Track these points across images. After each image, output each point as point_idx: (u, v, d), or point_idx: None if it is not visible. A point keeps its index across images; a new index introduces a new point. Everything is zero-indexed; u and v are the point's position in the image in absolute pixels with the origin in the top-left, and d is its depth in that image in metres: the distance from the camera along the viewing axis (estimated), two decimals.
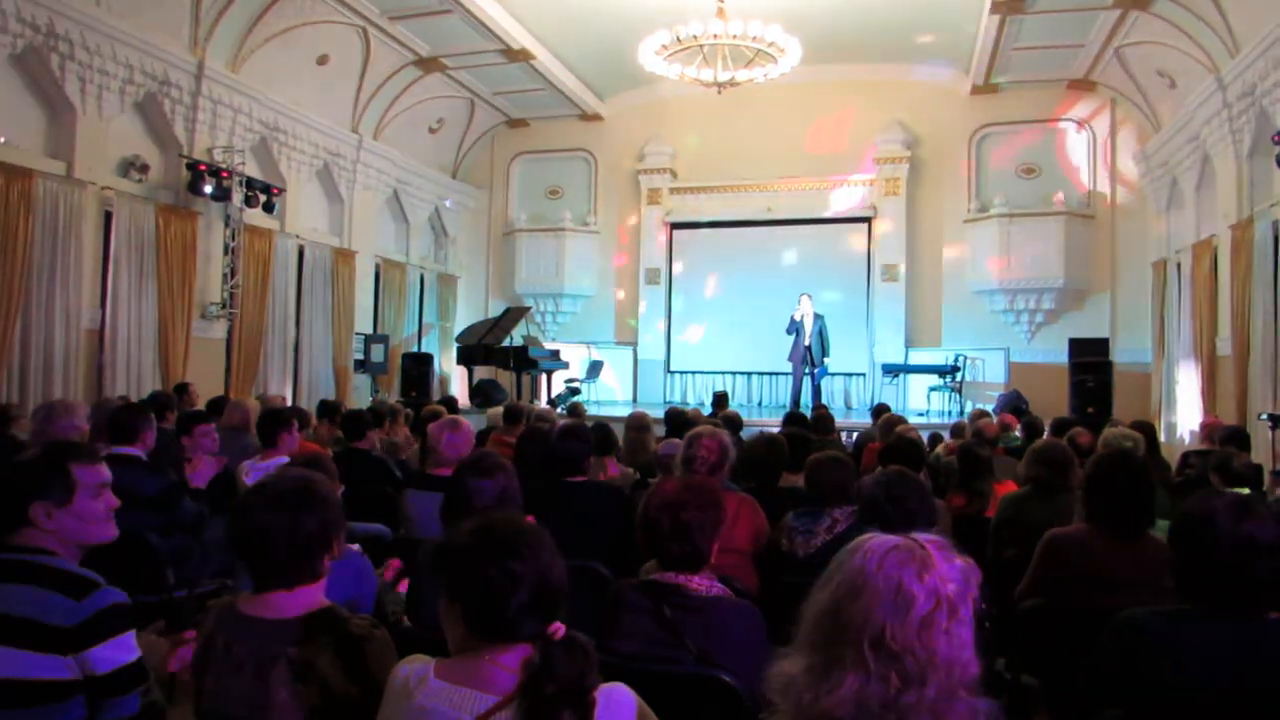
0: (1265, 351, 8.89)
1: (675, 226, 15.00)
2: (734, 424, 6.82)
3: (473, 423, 4.62)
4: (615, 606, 2.34)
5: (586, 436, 3.91)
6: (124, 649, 1.96)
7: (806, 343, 11.99)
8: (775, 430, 5.55)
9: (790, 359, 12.31)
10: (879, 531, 1.37)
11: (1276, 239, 8.84)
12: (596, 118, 15.19)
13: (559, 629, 1.55)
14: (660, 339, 14.90)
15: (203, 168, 9.52)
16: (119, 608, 1.98)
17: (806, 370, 12.20)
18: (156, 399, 6.72)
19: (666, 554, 2.35)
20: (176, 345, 9.43)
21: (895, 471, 2.93)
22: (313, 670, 1.72)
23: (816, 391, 12.36)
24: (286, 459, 4.38)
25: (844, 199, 14.20)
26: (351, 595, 2.33)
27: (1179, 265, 11.53)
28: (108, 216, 8.84)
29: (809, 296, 12.31)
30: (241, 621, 1.83)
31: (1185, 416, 11.00)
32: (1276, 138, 8.07)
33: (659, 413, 7.51)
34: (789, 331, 12.16)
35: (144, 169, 9.40)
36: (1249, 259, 9.23)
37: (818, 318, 12.17)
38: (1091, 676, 2.26)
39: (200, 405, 7.43)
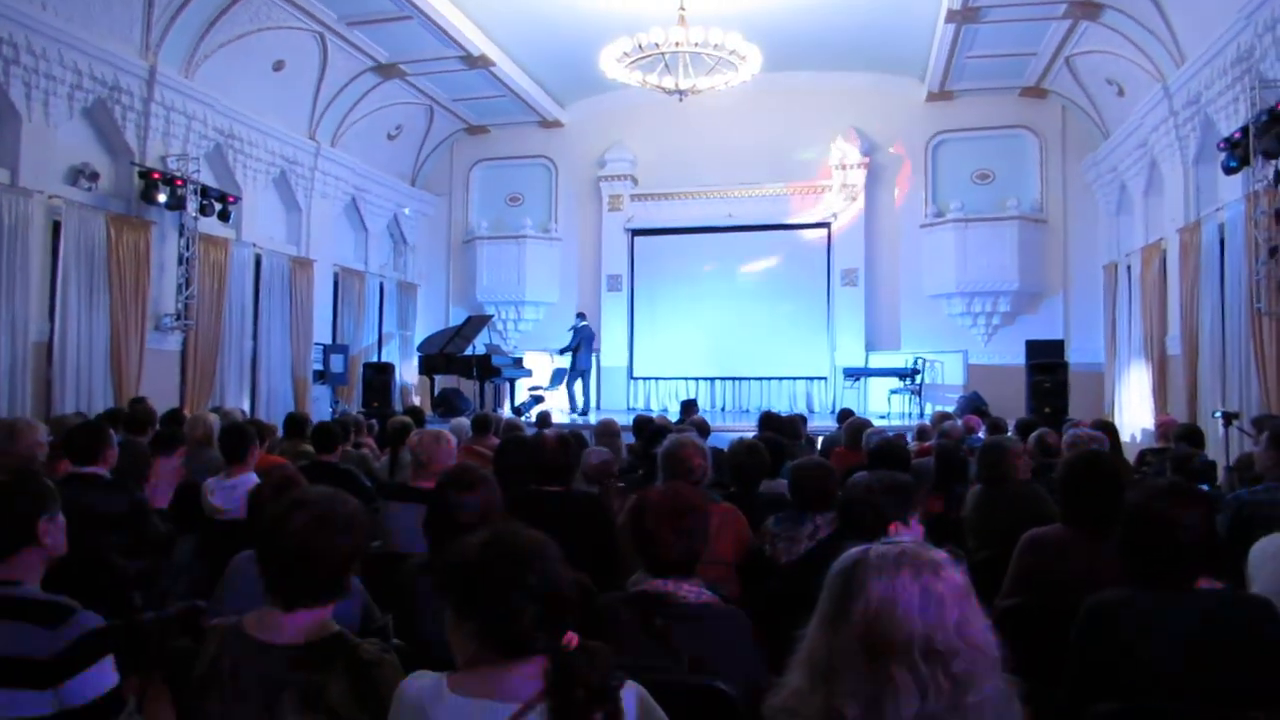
0: (1213, 351, 9.14)
1: (637, 233, 15.02)
2: (702, 430, 6.83)
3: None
4: (605, 618, 2.32)
5: (576, 446, 3.88)
6: (102, 677, 1.89)
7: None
8: (746, 436, 5.56)
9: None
10: (857, 540, 1.40)
11: (1223, 242, 9.08)
12: (557, 124, 15.16)
13: (573, 639, 1.54)
14: (623, 346, 14.89)
15: (156, 176, 9.32)
16: (95, 633, 1.90)
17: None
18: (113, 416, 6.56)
19: (658, 559, 2.35)
20: (129, 358, 9.20)
21: (885, 475, 2.94)
22: (322, 697, 1.68)
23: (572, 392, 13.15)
24: (254, 476, 4.30)
25: (804, 205, 14.32)
26: (342, 610, 2.28)
27: (1129, 268, 11.82)
28: (56, 226, 8.60)
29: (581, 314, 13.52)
30: (248, 645, 1.78)
31: (1136, 415, 11.26)
32: (1222, 145, 8.32)
33: (625, 420, 7.50)
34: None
35: (94, 177, 9.17)
36: (1196, 262, 9.49)
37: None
38: (1071, 664, 2.32)
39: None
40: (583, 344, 13.15)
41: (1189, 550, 2.21)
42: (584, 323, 13.37)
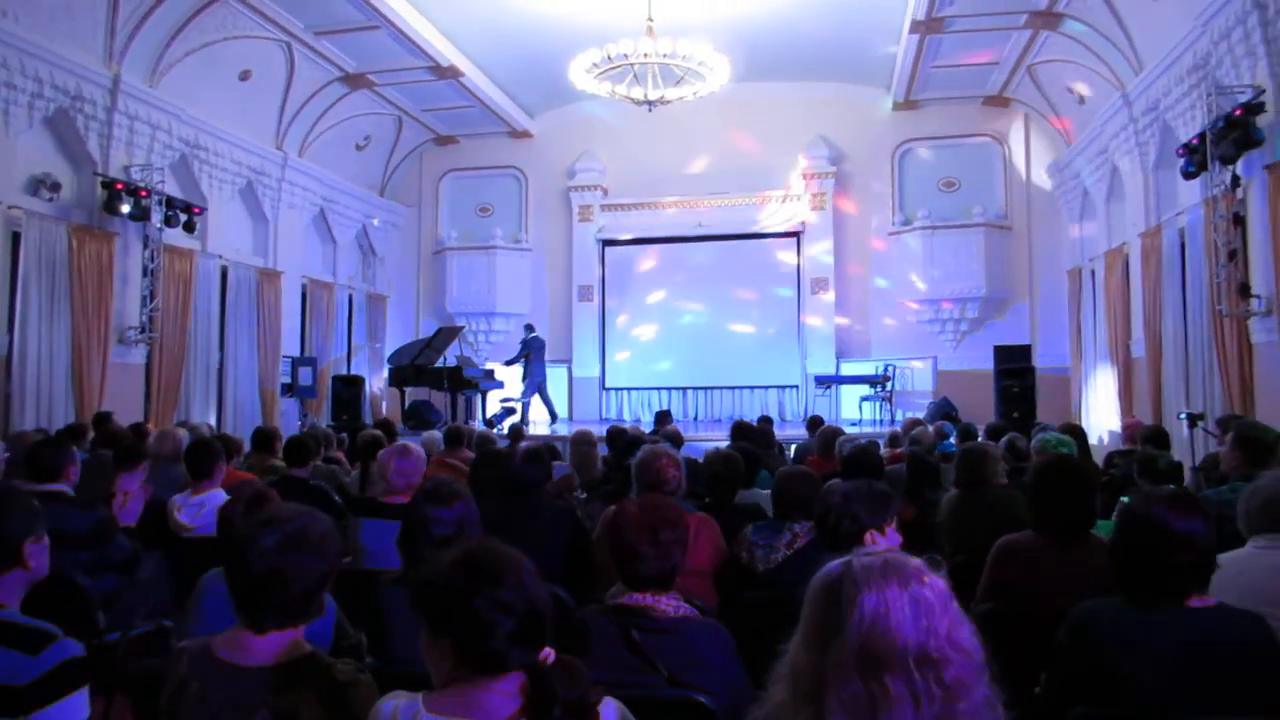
0: (1176, 353, 9.29)
1: (607, 243, 15.01)
2: (675, 441, 6.81)
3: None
4: (583, 632, 2.31)
5: (548, 459, 3.86)
6: (76, 708, 1.84)
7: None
8: (720, 445, 5.56)
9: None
10: (834, 550, 1.39)
11: (1183, 246, 9.24)
12: (526, 135, 15.13)
13: (549, 654, 1.52)
14: (595, 356, 14.86)
15: (119, 186, 9.18)
16: (74, 663, 1.85)
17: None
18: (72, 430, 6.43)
19: (636, 574, 2.33)
20: (91, 372, 9.03)
21: (861, 483, 2.95)
22: None
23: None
24: (222, 492, 4.23)
25: (773, 214, 14.39)
26: (314, 627, 2.24)
27: (1093, 273, 12.01)
28: (15, 237, 8.46)
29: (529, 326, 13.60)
30: (218, 667, 1.74)
31: (1103, 418, 11.42)
32: (1180, 151, 8.47)
33: (599, 430, 7.47)
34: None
35: (55, 187, 9.01)
36: (1158, 265, 9.65)
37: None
38: (1053, 671, 2.33)
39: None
40: (534, 355, 13.16)
41: (1186, 566, 2.15)
42: (533, 334, 13.38)
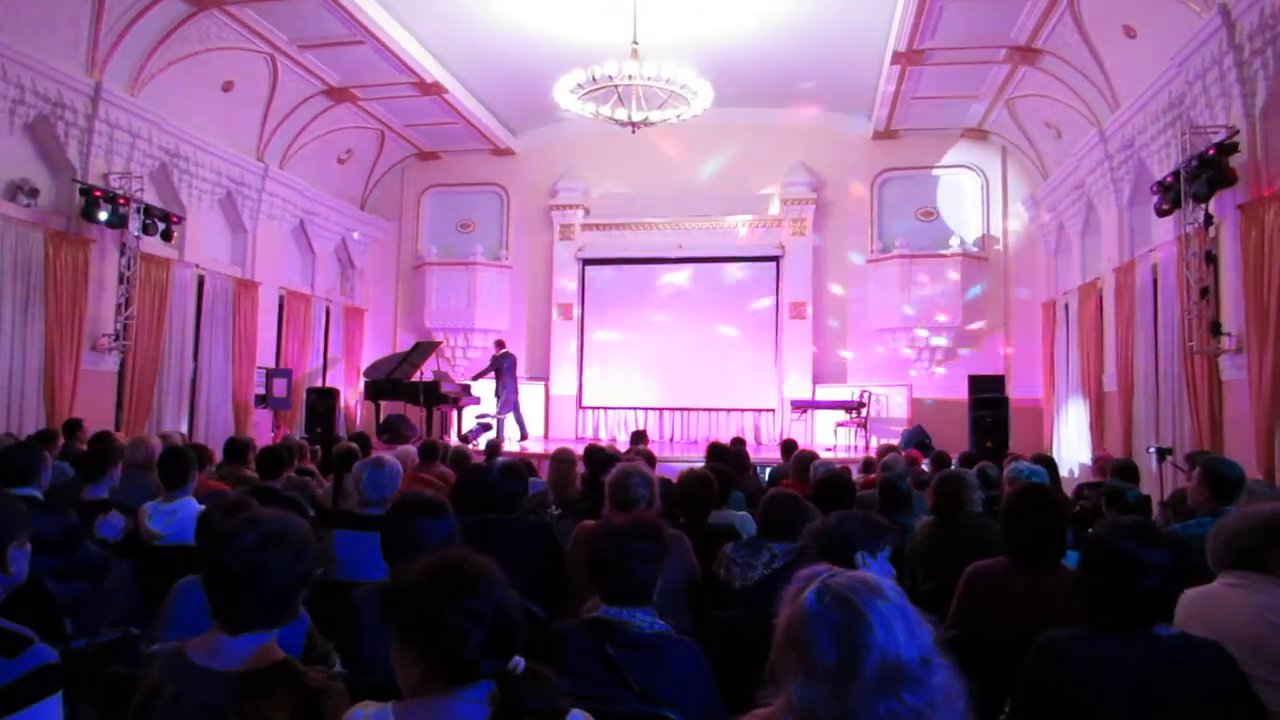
0: (1148, 387, 9.43)
1: (588, 262, 15.05)
2: (648, 461, 6.82)
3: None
4: (558, 645, 2.31)
5: (525, 475, 3.86)
6: (46, 716, 1.82)
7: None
8: (695, 466, 5.57)
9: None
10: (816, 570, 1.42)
11: (1156, 282, 9.40)
12: (509, 152, 15.19)
13: (519, 663, 1.53)
14: (572, 374, 14.86)
15: (98, 193, 9.13)
16: (49, 669, 1.83)
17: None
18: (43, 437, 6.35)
19: (612, 588, 2.34)
20: (64, 379, 8.93)
21: (859, 512, 2.99)
22: None
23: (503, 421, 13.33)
24: (194, 500, 4.20)
25: (753, 238, 14.49)
26: (287, 637, 2.23)
27: (1067, 306, 12.17)
28: None
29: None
30: (190, 671, 1.73)
31: (1074, 450, 11.54)
32: (1154, 188, 8.62)
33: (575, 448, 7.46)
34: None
35: (33, 193, 8.94)
36: (1131, 300, 9.80)
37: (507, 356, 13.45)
38: (1018, 697, 2.35)
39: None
40: (505, 371, 13.21)
41: (1152, 594, 2.19)
42: (504, 350, 13.45)
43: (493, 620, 1.51)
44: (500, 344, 13.64)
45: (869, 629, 1.27)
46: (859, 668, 1.26)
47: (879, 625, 1.27)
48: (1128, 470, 6.36)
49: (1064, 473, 10.49)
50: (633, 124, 10.34)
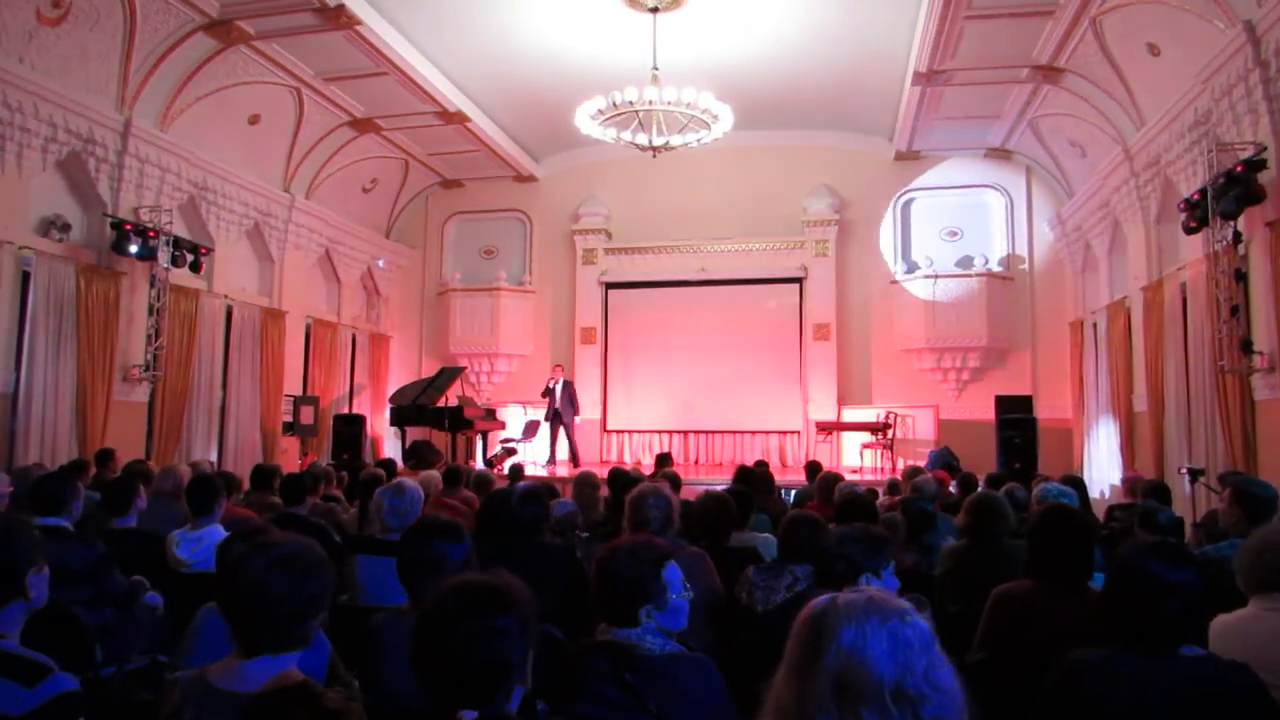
0: (1179, 407, 9.28)
1: (610, 286, 15.11)
2: (673, 483, 6.80)
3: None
4: (574, 668, 2.30)
5: (546, 499, 3.86)
6: None
7: (556, 405, 13.37)
8: (719, 489, 5.55)
9: (545, 419, 13.66)
10: (828, 590, 1.41)
11: (1184, 300, 9.28)
12: (531, 179, 15.32)
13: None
14: (596, 398, 14.87)
15: (128, 227, 9.30)
16: (69, 697, 1.85)
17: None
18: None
19: (614, 611, 2.33)
20: (96, 409, 9.07)
21: (857, 526, 2.95)
22: None
23: (572, 444, 13.50)
24: (220, 529, 4.23)
25: (775, 260, 14.49)
26: (309, 664, 2.24)
27: (1095, 325, 12.04)
28: (25, 276, 8.54)
29: (560, 367, 13.86)
30: (210, 693, 1.74)
31: (1104, 471, 11.36)
32: (1182, 206, 8.53)
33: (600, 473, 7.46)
34: (543, 395, 13.59)
35: (65, 228, 9.14)
36: (1160, 319, 9.68)
37: (566, 384, 13.55)
38: (1040, 717, 2.31)
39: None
40: (563, 395, 13.49)
41: (1177, 614, 2.16)
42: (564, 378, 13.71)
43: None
44: (560, 368, 13.83)
45: (834, 635, 1.27)
46: (816, 669, 1.26)
47: (849, 632, 1.26)
48: (1160, 491, 6.25)
49: (1094, 494, 10.35)
50: (654, 149, 10.40)
